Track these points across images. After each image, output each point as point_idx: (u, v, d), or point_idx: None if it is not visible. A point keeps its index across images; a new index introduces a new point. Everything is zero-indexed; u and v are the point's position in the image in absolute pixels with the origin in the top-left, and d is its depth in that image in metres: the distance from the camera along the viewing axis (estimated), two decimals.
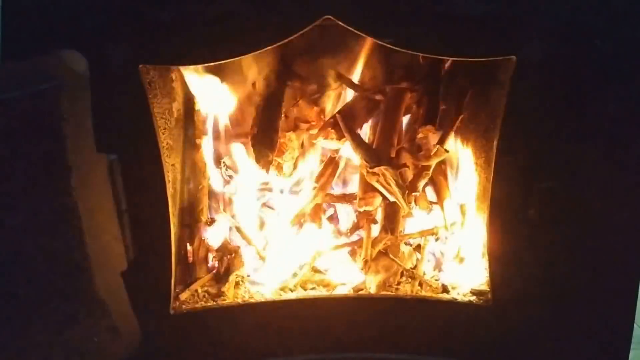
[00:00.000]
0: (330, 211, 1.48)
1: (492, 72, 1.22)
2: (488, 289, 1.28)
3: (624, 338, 1.27)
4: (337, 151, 1.45)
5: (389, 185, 1.32)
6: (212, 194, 1.43)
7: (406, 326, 1.28)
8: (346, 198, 1.45)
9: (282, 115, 1.37)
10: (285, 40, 1.11)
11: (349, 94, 1.45)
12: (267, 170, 1.30)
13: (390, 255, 1.34)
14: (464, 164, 1.40)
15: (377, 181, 1.33)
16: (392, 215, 1.39)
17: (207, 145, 1.40)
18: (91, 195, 1.08)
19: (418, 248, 1.42)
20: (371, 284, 1.32)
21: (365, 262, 1.32)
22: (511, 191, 1.20)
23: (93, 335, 1.10)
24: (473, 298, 1.29)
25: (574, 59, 1.12)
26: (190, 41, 1.10)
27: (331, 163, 1.46)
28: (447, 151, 1.34)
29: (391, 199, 1.33)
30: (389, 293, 1.31)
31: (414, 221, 1.43)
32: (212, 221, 1.40)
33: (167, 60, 1.15)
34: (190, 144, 1.40)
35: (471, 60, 1.27)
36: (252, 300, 1.30)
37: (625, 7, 1.10)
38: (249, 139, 1.31)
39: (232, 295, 1.30)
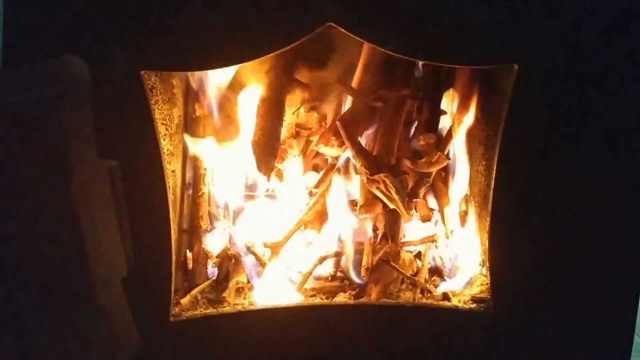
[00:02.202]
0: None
1: (493, 79, 1.22)
2: (489, 297, 1.27)
3: (625, 346, 1.27)
4: (337, 158, 1.45)
5: (389, 192, 1.31)
6: (211, 200, 1.43)
7: (407, 334, 1.28)
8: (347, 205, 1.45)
9: (283, 121, 1.36)
10: (288, 47, 1.10)
11: (350, 101, 1.45)
12: (268, 177, 1.29)
13: (392, 263, 1.33)
14: (465, 171, 1.40)
15: (378, 188, 1.32)
16: (392, 223, 1.38)
17: (207, 152, 1.40)
18: (92, 200, 1.07)
19: (419, 255, 1.42)
20: (372, 292, 1.31)
21: (366, 269, 1.32)
22: (512, 198, 1.20)
23: (92, 343, 1.10)
24: (474, 305, 1.28)
25: (575, 66, 1.12)
26: (192, 47, 1.10)
27: (332, 169, 1.46)
28: (448, 158, 1.34)
29: (391, 206, 1.33)
30: (389, 301, 1.31)
31: (415, 228, 1.43)
32: (211, 227, 1.39)
33: (169, 66, 1.15)
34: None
35: (473, 67, 1.28)
36: (252, 307, 1.29)
37: (628, 15, 1.10)
38: (251, 145, 1.31)
39: (232, 302, 1.30)
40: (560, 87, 1.13)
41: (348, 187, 1.43)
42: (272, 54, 1.13)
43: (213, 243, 1.39)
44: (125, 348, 1.14)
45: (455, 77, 1.40)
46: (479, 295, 1.30)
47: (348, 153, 1.39)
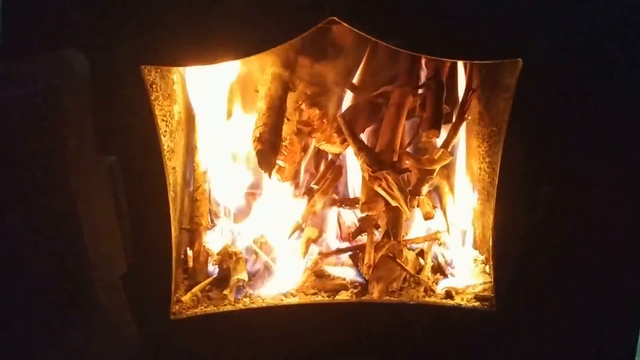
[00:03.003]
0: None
1: (497, 75, 1.21)
2: (492, 295, 1.26)
3: (629, 346, 1.26)
4: (339, 155, 1.44)
5: (391, 189, 1.30)
6: (212, 198, 1.42)
7: (409, 332, 1.27)
8: (349, 202, 1.44)
9: (285, 118, 1.35)
10: (289, 42, 1.09)
11: (352, 97, 1.44)
12: (270, 174, 1.28)
13: (397, 260, 1.32)
14: (469, 169, 1.39)
15: (380, 186, 1.31)
16: (394, 220, 1.38)
17: (208, 148, 1.39)
18: (91, 197, 1.06)
19: (421, 253, 1.41)
20: (374, 290, 1.30)
21: (369, 267, 1.31)
22: (516, 195, 1.19)
23: (92, 340, 1.09)
24: (477, 304, 1.27)
25: (580, 62, 1.11)
26: (192, 42, 1.09)
27: (332, 165, 1.45)
28: (451, 155, 1.33)
29: (393, 203, 1.32)
30: (392, 299, 1.30)
31: (418, 226, 1.42)
32: (212, 225, 1.38)
33: (170, 62, 1.13)
34: (191, 146, 1.39)
35: (477, 62, 1.27)
36: (252, 306, 1.28)
37: (633, 10, 1.09)
38: (252, 142, 1.30)
39: (233, 300, 1.29)
40: (565, 82, 1.12)
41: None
42: (273, 49, 1.12)
43: (214, 240, 1.38)
44: (125, 346, 1.14)
45: (459, 72, 1.39)
46: (482, 294, 1.29)
47: (350, 150, 1.38)
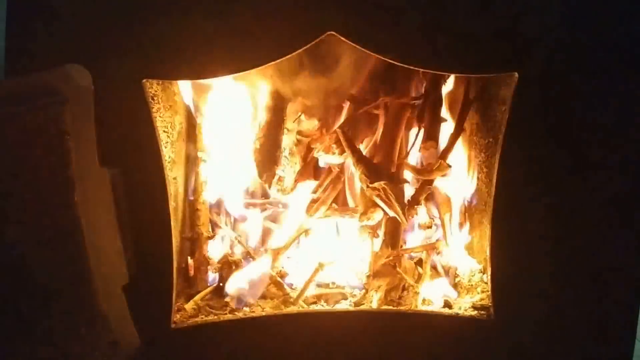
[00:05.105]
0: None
1: (494, 87, 1.23)
2: (490, 304, 1.27)
3: (626, 352, 1.27)
4: (337, 165, 1.45)
5: (389, 200, 1.31)
6: (213, 208, 1.44)
7: (408, 341, 1.28)
8: (348, 212, 1.45)
9: (284, 129, 1.37)
10: (289, 56, 1.11)
11: (351, 108, 1.46)
12: (270, 185, 1.30)
13: (397, 269, 1.33)
14: (466, 179, 1.40)
15: (378, 196, 1.32)
16: (393, 230, 1.39)
17: (209, 159, 1.41)
18: (93, 208, 1.07)
19: (420, 262, 1.42)
20: (373, 299, 1.31)
21: (368, 276, 1.32)
22: (513, 206, 1.20)
23: (94, 350, 1.10)
24: (475, 313, 1.28)
25: (576, 74, 1.12)
26: (193, 56, 1.11)
27: (329, 174, 1.46)
28: (449, 166, 1.34)
29: (391, 214, 1.33)
30: (390, 308, 1.31)
31: (416, 235, 1.43)
32: (213, 234, 1.40)
33: (171, 75, 1.15)
34: (192, 157, 1.40)
35: (473, 75, 1.28)
36: (253, 314, 1.29)
37: (629, 23, 1.11)
38: (252, 153, 1.31)
39: (234, 308, 1.30)
40: (560, 94, 1.14)
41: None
42: (273, 63, 1.13)
43: (214, 250, 1.39)
44: (126, 355, 1.14)
45: (456, 85, 1.41)
46: (479, 303, 1.30)
47: (349, 160, 1.39)
